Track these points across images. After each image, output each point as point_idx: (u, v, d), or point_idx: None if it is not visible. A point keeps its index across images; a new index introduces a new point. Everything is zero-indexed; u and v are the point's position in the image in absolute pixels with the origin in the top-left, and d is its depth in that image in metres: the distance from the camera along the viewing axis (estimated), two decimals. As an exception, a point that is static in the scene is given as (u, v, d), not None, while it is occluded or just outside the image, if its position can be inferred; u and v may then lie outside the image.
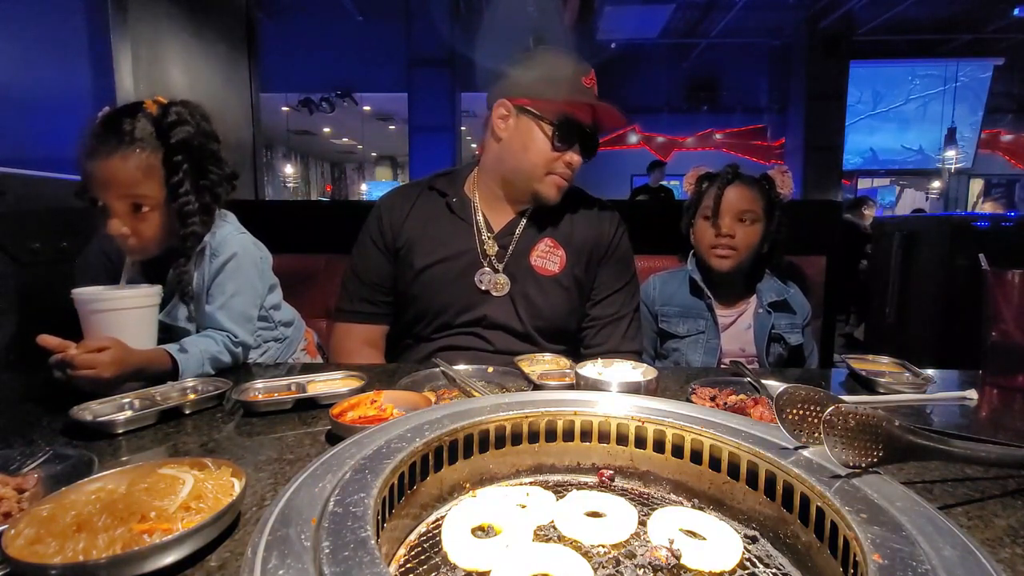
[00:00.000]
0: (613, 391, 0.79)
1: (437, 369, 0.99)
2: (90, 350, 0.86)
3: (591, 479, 0.58)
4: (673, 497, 0.55)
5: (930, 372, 0.99)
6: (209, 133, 1.11)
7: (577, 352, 1.30)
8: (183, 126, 1.05)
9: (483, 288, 1.22)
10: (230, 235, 1.17)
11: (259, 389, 0.88)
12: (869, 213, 5.57)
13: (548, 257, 1.25)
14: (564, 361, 1.01)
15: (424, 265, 1.22)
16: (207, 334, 1.09)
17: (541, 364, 1.01)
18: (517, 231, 1.25)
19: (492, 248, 1.24)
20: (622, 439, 0.57)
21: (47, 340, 0.86)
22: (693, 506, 0.53)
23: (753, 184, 1.47)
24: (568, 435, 0.58)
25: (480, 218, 1.26)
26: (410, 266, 1.23)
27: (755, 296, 1.48)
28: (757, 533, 0.49)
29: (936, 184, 9.77)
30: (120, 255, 1.12)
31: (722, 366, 1.42)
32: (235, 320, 1.12)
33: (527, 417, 0.56)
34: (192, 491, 0.50)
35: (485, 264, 1.23)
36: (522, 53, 1.25)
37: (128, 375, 0.91)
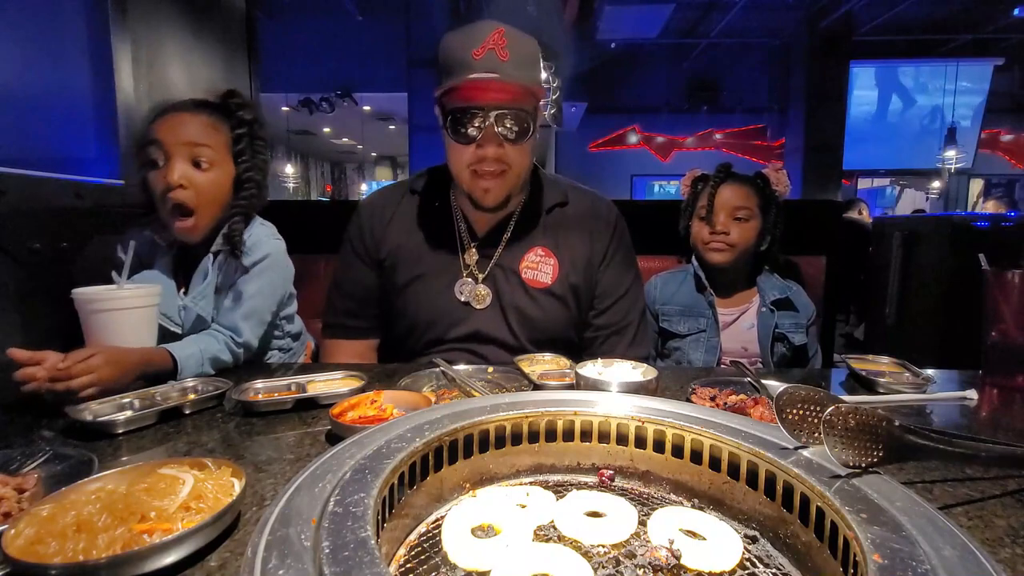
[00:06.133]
0: (613, 391, 0.79)
1: (437, 369, 0.99)
2: (80, 359, 0.84)
3: (591, 479, 0.58)
4: (673, 497, 0.55)
5: (930, 372, 0.99)
6: (262, 122, 1.22)
7: (578, 359, 1.25)
8: (246, 107, 1.19)
9: (463, 300, 1.15)
10: (266, 237, 1.20)
11: (259, 389, 0.88)
12: (865, 214, 5.59)
13: (539, 268, 1.17)
14: (564, 361, 1.01)
15: (407, 280, 1.17)
16: (210, 332, 1.09)
17: (541, 364, 1.00)
18: (503, 238, 1.18)
19: (473, 257, 1.17)
20: (622, 439, 0.57)
21: (17, 354, 0.83)
22: (693, 506, 0.53)
23: (747, 182, 1.48)
24: (568, 435, 0.58)
25: (462, 224, 1.20)
26: (394, 281, 1.19)
27: (757, 296, 1.49)
28: (757, 533, 0.49)
29: (936, 184, 9.76)
30: (151, 246, 1.16)
31: (722, 365, 1.43)
32: (247, 319, 1.13)
33: (527, 417, 0.56)
34: (192, 491, 0.50)
35: (465, 274, 1.16)
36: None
37: (131, 374, 0.91)
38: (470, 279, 1.17)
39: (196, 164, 1.10)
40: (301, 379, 0.91)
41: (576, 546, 0.45)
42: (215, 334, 1.09)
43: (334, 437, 0.72)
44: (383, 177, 14.58)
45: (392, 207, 1.23)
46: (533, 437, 0.57)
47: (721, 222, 1.43)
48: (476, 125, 1.04)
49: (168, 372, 0.96)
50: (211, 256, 1.15)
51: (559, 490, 0.55)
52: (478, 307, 1.16)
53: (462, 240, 1.19)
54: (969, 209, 9.55)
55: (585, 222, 1.22)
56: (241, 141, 1.16)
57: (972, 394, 0.91)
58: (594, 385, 0.80)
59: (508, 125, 1.05)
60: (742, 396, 0.84)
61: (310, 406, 0.84)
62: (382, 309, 1.24)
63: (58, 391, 0.82)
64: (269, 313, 1.20)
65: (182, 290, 1.18)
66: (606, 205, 1.26)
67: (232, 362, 1.09)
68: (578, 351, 1.24)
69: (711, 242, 1.45)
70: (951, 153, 8.59)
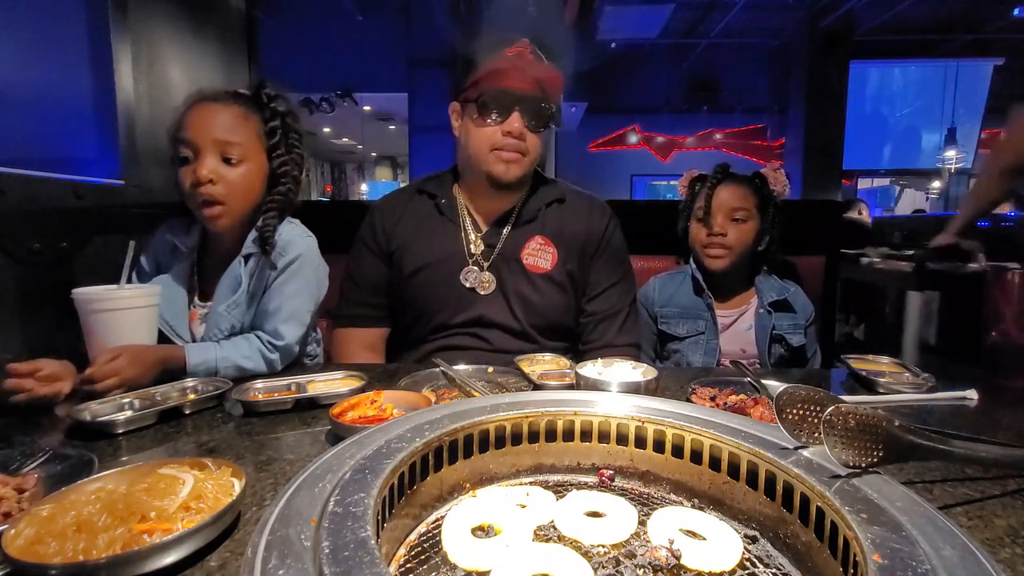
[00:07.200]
0: (613, 391, 0.79)
1: (437, 369, 0.99)
2: (105, 361, 0.86)
3: (591, 479, 0.58)
4: (673, 497, 0.55)
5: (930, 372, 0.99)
6: (297, 115, 1.21)
7: (575, 348, 1.32)
8: (279, 100, 1.18)
9: (468, 286, 1.23)
10: (298, 237, 1.18)
11: (259, 389, 0.88)
12: (865, 214, 5.59)
13: (539, 255, 1.26)
14: (564, 361, 1.01)
15: (414, 269, 1.24)
16: (246, 336, 1.07)
17: (541, 364, 1.01)
18: (505, 230, 1.27)
19: (478, 247, 1.26)
20: (622, 439, 0.57)
21: (17, 367, 0.83)
22: (693, 506, 0.53)
23: (744, 182, 1.48)
24: (568, 435, 0.58)
25: (467, 218, 1.29)
26: (401, 270, 1.26)
27: (755, 297, 1.48)
28: (757, 533, 0.49)
29: (936, 184, 9.76)
30: (171, 248, 1.17)
31: (721, 366, 1.42)
32: (286, 322, 1.09)
33: (527, 417, 0.56)
34: (192, 491, 0.50)
35: (471, 263, 1.25)
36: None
37: (151, 372, 0.91)
38: (475, 267, 1.24)
39: (226, 160, 1.08)
40: (301, 379, 0.91)
41: (576, 546, 0.45)
42: (250, 338, 1.07)
43: (334, 437, 0.72)
44: (383, 177, 14.57)
45: (402, 206, 1.32)
46: (533, 437, 0.57)
47: (719, 223, 1.43)
48: (506, 108, 1.17)
49: (181, 374, 0.96)
50: (241, 260, 1.11)
51: (559, 490, 0.55)
52: (482, 293, 1.24)
53: (467, 232, 1.28)
54: (969, 209, 9.52)
55: (581, 218, 1.31)
56: (275, 134, 1.15)
57: (972, 394, 0.91)
58: (594, 385, 0.80)
59: (533, 112, 1.18)
60: (742, 396, 0.84)
61: (310, 406, 0.84)
62: (392, 300, 1.31)
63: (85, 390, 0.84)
64: (308, 314, 1.15)
65: (195, 296, 1.17)
66: (600, 205, 1.36)
67: (267, 369, 1.06)
68: (575, 338, 1.33)
69: (709, 245, 1.44)
70: (951, 153, 8.59)
